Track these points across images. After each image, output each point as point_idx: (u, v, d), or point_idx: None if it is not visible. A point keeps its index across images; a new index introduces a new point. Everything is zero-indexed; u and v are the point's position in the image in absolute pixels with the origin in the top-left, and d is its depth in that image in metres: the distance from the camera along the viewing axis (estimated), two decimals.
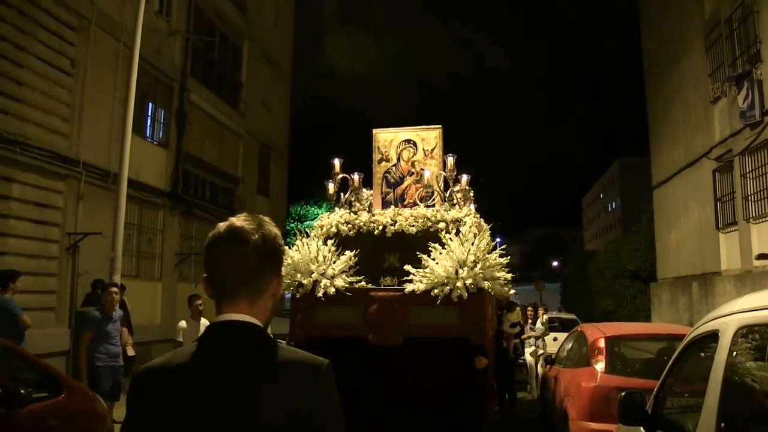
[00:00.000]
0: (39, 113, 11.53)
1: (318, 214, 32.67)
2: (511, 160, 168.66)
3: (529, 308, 15.15)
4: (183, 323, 8.78)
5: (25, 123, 11.14)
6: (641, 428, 4.01)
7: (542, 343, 14.01)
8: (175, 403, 1.56)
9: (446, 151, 8.27)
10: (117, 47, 13.90)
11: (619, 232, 53.69)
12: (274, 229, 1.83)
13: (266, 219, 1.84)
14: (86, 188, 12.78)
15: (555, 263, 74.82)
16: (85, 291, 11.56)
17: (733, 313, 3.26)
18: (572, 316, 20.98)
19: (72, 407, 5.74)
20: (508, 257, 7.38)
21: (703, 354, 3.52)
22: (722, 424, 3.00)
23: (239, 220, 1.79)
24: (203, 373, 1.59)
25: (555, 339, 15.68)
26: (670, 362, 4.11)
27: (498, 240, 8.36)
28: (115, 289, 8.53)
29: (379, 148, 8.66)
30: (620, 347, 7.38)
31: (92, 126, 13.06)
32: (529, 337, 13.82)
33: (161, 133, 16.50)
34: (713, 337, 3.38)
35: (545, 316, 15.12)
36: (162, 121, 16.56)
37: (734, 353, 3.11)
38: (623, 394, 4.08)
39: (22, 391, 4.90)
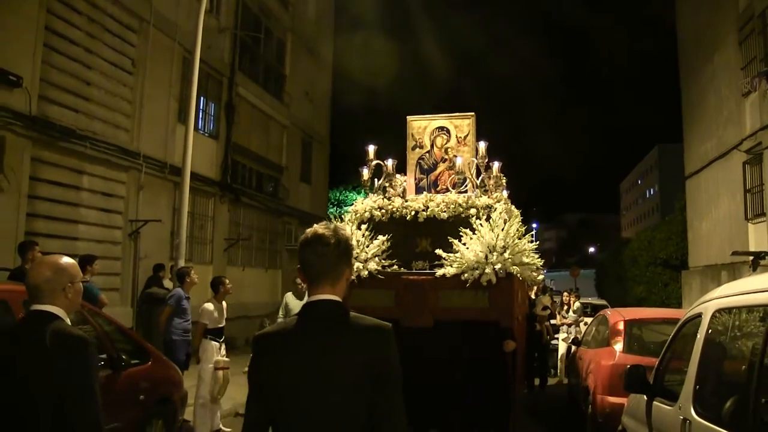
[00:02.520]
0: (104, 110, 12.52)
1: (356, 200, 33.35)
2: (549, 144, 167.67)
3: (564, 293, 15.60)
4: (208, 305, 8.39)
5: (93, 120, 12.13)
6: (644, 396, 4.76)
7: (574, 330, 14.45)
8: (293, 353, 2.29)
9: (481, 137, 8.35)
10: (172, 46, 14.87)
11: (657, 218, 53.38)
12: (345, 233, 2.46)
13: (339, 225, 2.50)
14: (146, 178, 13.75)
15: (591, 249, 74.63)
16: (147, 274, 12.48)
17: (713, 299, 4.01)
18: (603, 302, 21.48)
19: (157, 373, 6.64)
20: (537, 243, 7.61)
21: (691, 332, 4.24)
22: (697, 387, 3.75)
23: (321, 228, 2.42)
24: (308, 333, 2.31)
25: (585, 324, 16.25)
26: (668, 340, 4.85)
27: (534, 225, 8.53)
28: (194, 273, 9.33)
29: (413, 135, 8.73)
30: (638, 329, 8.09)
31: (150, 120, 14.02)
32: (562, 325, 14.32)
33: (212, 125, 17.43)
34: (699, 317, 4.12)
35: (576, 304, 15.63)
36: (212, 113, 17.49)
37: (710, 331, 3.86)
38: (628, 367, 4.84)
39: (124, 357, 5.81)
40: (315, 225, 2.48)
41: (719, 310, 3.81)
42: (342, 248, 2.41)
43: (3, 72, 9.82)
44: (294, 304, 9.75)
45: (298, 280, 10.08)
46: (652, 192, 71.61)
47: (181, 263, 10.78)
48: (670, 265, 23.37)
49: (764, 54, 15.39)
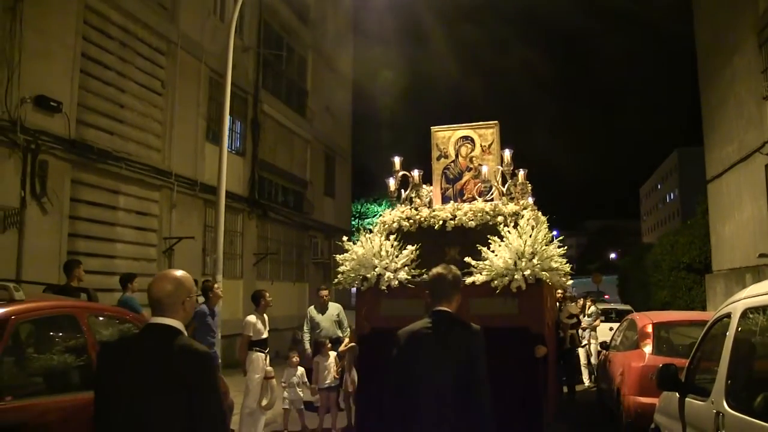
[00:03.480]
0: (137, 131, 12.96)
1: (377, 212, 33.65)
2: (568, 151, 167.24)
3: (580, 300, 15.73)
4: (251, 318, 8.74)
5: (127, 141, 12.57)
6: (676, 393, 4.98)
7: (589, 334, 14.55)
8: (422, 347, 3.65)
9: (503, 146, 8.37)
10: (199, 66, 15.32)
11: (677, 223, 53.18)
12: (456, 271, 3.92)
13: (452, 267, 3.92)
14: (177, 197, 14.15)
15: (613, 255, 74.32)
16: None
17: (742, 299, 4.23)
18: (627, 307, 21.53)
19: None
20: (565, 248, 7.60)
21: (721, 331, 4.46)
22: (729, 382, 3.98)
23: (441, 268, 3.89)
24: (432, 332, 3.67)
25: (611, 329, 16.34)
26: (699, 339, 5.07)
27: (555, 233, 8.60)
28: (217, 287, 9.68)
29: (437, 145, 8.78)
30: (666, 332, 8.29)
31: (180, 140, 14.45)
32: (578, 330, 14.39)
33: (238, 143, 17.86)
34: (728, 317, 4.35)
35: (591, 308, 15.71)
36: (239, 131, 17.91)
37: (739, 329, 4.08)
38: (661, 365, 5.06)
39: None
40: (438, 267, 3.93)
41: (748, 309, 4.04)
42: (454, 279, 3.87)
43: (45, 98, 10.27)
44: (318, 318, 10.08)
45: (322, 293, 10.41)
46: (672, 196, 71.42)
47: (219, 278, 11.10)
48: (693, 269, 23.34)
49: None
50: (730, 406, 3.84)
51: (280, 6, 20.43)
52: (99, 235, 11.82)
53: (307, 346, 9.93)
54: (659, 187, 79.09)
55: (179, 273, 3.06)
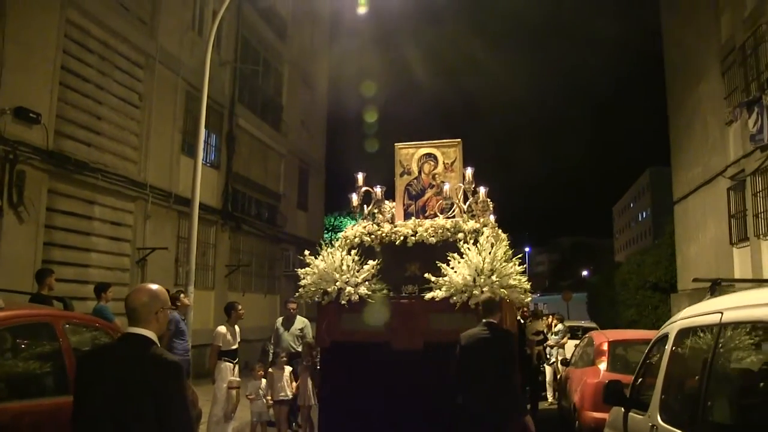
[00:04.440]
0: (114, 143, 13.16)
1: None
2: (541, 169, 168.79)
3: (547, 317, 16.04)
4: (221, 329, 9.02)
5: (104, 153, 12.76)
6: (622, 408, 5.30)
7: (556, 351, 14.85)
8: (481, 343, 6.00)
9: (466, 164, 8.46)
10: (176, 80, 15.56)
11: (649, 241, 53.83)
12: (498, 295, 6.45)
13: (496, 292, 6.43)
14: (152, 208, 14.33)
15: (585, 272, 74.94)
16: None
17: (678, 320, 4.58)
18: (593, 325, 21.95)
19: None
20: (527, 266, 7.67)
21: (660, 350, 4.79)
22: (663, 397, 4.30)
23: (489, 293, 6.49)
24: (487, 334, 6.04)
25: (575, 346, 16.68)
26: (643, 357, 5.40)
27: (527, 250, 8.68)
28: (184, 297, 9.96)
29: (401, 162, 8.80)
30: (622, 350, 8.66)
31: (156, 152, 14.64)
32: (545, 347, 14.71)
33: (213, 156, 18.06)
34: (666, 337, 4.69)
35: (558, 326, 16.03)
36: (214, 144, 18.12)
37: (674, 348, 4.42)
38: (607, 382, 5.39)
39: None
40: (486, 293, 6.34)
41: (681, 330, 4.38)
42: (494, 302, 6.21)
43: (24, 110, 10.45)
44: (281, 331, 10.31)
45: (290, 306, 10.55)
46: (644, 215, 72.12)
47: (191, 289, 11.31)
48: (659, 288, 23.78)
49: (745, 85, 15.87)
50: (663, 420, 4.15)
51: (258, 21, 20.73)
52: (74, 244, 11.97)
53: (270, 358, 10.14)
54: (632, 205, 79.87)
55: (154, 286, 3.28)
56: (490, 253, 7.14)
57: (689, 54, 20.37)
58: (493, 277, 6.97)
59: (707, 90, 18.70)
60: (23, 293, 8.59)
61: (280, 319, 10.60)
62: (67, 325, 5.36)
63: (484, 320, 6.10)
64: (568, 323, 21.67)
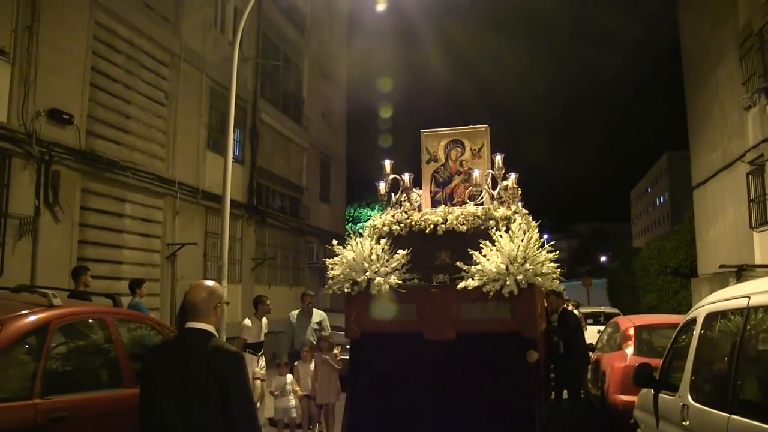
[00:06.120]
0: (142, 141, 13.45)
1: (369, 216, 33.96)
2: (559, 155, 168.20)
3: (568, 304, 16.17)
4: (247, 321, 9.12)
5: (133, 151, 13.05)
6: (651, 390, 5.52)
7: None
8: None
9: (494, 150, 8.27)
10: (200, 78, 15.84)
11: (668, 226, 53.68)
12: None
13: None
14: (180, 204, 14.63)
15: (603, 258, 74.78)
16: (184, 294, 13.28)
17: (705, 305, 4.78)
18: (615, 310, 22.09)
19: None
20: (557, 252, 7.46)
21: (688, 334, 5.00)
22: (693, 378, 4.52)
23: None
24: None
25: (599, 332, 16.84)
26: (671, 340, 5.61)
27: (546, 237, 8.68)
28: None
29: (427, 149, 8.61)
30: (647, 334, 8.87)
31: (183, 149, 14.93)
32: None
33: (237, 151, 18.32)
34: (693, 321, 4.89)
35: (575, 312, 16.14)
36: (238, 140, 18.40)
37: (702, 331, 4.63)
38: (638, 365, 5.60)
39: None
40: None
41: (709, 314, 4.59)
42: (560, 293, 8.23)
43: (58, 112, 10.75)
44: (298, 324, 10.30)
45: (307, 299, 10.59)
46: (662, 200, 71.60)
47: (224, 284, 11.59)
48: (680, 273, 23.88)
49: (763, 70, 15.90)
50: (693, 399, 4.38)
51: (278, 17, 20.97)
52: (107, 241, 12.29)
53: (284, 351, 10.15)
54: (649, 190, 79.30)
55: (211, 283, 3.47)
56: (522, 240, 6.97)
57: (706, 40, 20.36)
58: (527, 265, 6.84)
59: (725, 75, 18.72)
60: (61, 290, 8.89)
61: (294, 313, 10.50)
62: (119, 321, 5.61)
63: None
64: (589, 309, 21.85)
